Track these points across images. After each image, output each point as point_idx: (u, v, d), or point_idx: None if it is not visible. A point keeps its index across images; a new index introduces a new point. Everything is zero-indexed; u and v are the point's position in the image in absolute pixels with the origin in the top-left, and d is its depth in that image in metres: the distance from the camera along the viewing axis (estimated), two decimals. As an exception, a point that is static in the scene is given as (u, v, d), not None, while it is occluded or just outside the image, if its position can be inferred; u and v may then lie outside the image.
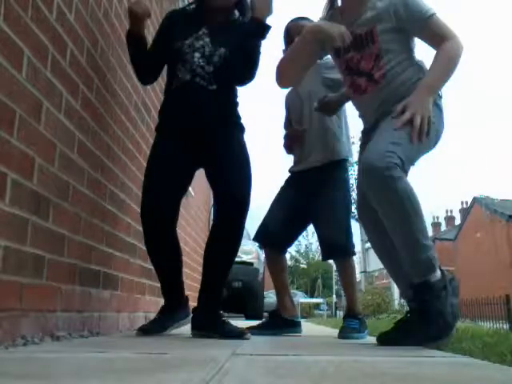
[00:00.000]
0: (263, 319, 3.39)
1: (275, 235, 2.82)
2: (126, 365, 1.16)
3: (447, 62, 2.05)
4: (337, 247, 2.72)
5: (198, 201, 5.85)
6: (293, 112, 3.04)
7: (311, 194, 2.78)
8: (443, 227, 37.92)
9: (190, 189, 4.88)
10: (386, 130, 2.00)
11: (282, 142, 3.09)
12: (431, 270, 1.91)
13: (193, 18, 2.34)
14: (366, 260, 18.50)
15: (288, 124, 3.09)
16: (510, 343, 1.90)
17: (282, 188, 2.95)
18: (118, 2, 2.53)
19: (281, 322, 2.84)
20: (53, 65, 1.73)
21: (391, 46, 2.11)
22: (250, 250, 7.48)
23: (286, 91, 3.10)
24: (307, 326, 4.61)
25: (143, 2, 2.29)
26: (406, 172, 1.95)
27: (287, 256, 3.17)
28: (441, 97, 2.12)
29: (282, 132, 3.11)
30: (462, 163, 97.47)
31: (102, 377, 0.96)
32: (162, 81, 2.72)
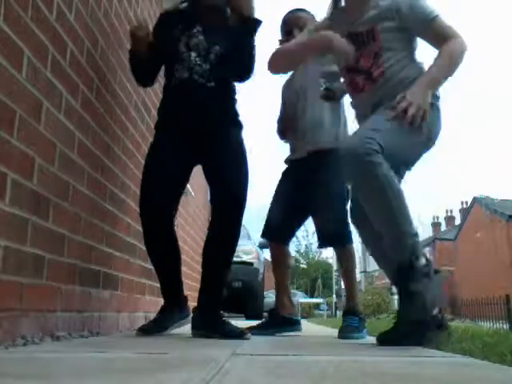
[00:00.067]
0: (263, 319, 3.39)
1: (277, 228, 2.85)
2: (126, 365, 1.16)
3: (449, 59, 2.04)
4: (335, 236, 2.73)
5: (197, 200, 5.85)
6: (288, 100, 3.03)
7: (307, 182, 2.78)
8: (443, 227, 37.91)
9: (191, 189, 4.88)
10: (371, 117, 2.00)
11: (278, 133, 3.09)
12: (414, 255, 1.87)
13: (185, 16, 2.34)
14: (365, 260, 18.48)
15: (283, 111, 3.09)
16: (510, 343, 1.90)
17: (280, 182, 2.97)
18: (118, 2, 2.53)
19: (280, 321, 2.84)
20: (53, 65, 1.73)
21: (392, 44, 2.11)
22: (249, 250, 7.49)
23: (283, 80, 3.12)
24: (307, 326, 4.62)
25: (144, 25, 2.28)
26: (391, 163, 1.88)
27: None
28: (438, 97, 2.11)
29: (277, 117, 3.11)
30: (462, 163, 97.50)
31: (102, 377, 0.96)
32: (161, 80, 2.72)
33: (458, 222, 34.03)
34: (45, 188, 1.68)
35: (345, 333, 2.59)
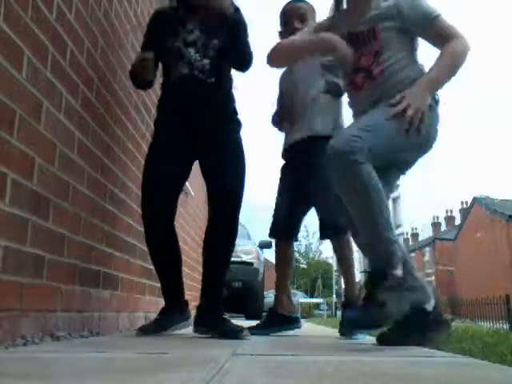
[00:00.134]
0: (263, 319, 3.39)
1: (284, 224, 2.85)
2: (126, 365, 1.16)
3: (451, 59, 2.02)
4: (335, 224, 2.68)
5: (197, 200, 5.85)
6: (286, 91, 3.02)
7: (305, 167, 2.75)
8: (443, 227, 37.94)
9: (191, 189, 4.88)
10: (368, 114, 1.99)
11: (276, 125, 3.08)
12: (390, 265, 1.81)
13: (180, 13, 2.34)
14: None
15: (281, 102, 3.08)
16: (510, 343, 1.90)
17: (280, 176, 2.98)
18: (118, 1, 2.53)
19: (279, 319, 2.84)
20: (53, 65, 1.73)
21: (392, 43, 2.10)
22: (249, 250, 7.48)
23: (281, 71, 3.11)
24: (307, 326, 4.62)
25: (151, 56, 2.19)
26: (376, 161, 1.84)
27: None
28: (437, 101, 2.09)
29: (274, 109, 3.10)
30: (462, 163, 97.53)
31: (102, 377, 0.96)
32: (161, 79, 2.72)
33: (458, 222, 34.05)
34: (45, 188, 1.68)
35: (346, 328, 2.58)
